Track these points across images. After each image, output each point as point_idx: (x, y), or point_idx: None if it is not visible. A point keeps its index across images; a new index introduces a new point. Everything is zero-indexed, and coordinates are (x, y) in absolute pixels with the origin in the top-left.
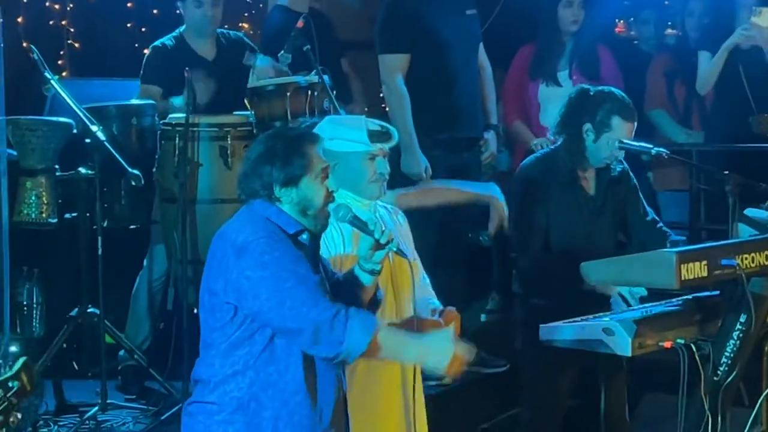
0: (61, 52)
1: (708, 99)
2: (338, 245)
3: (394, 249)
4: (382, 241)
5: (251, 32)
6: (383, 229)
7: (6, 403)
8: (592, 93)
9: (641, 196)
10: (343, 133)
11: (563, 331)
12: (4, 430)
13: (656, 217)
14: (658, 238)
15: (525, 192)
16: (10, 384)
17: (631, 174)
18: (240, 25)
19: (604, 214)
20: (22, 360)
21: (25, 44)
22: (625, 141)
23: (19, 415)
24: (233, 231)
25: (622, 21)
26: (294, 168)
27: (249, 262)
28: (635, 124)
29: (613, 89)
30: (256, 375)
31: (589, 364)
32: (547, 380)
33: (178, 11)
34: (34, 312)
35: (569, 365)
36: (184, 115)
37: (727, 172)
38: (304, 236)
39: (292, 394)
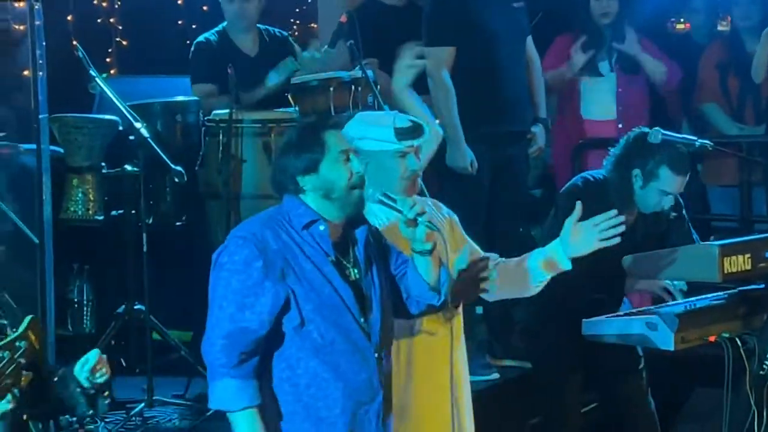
0: (110, 50)
1: (764, 91)
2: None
3: (426, 223)
4: (410, 216)
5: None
6: (413, 205)
7: (15, 365)
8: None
9: (690, 227)
10: (370, 132)
11: (606, 325)
12: (15, 391)
13: None
14: None
15: (567, 210)
16: (17, 344)
17: (683, 212)
18: (290, 20)
19: (639, 248)
20: (28, 318)
21: (74, 42)
22: (668, 132)
23: (31, 375)
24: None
25: (683, 19)
26: (310, 153)
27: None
28: (687, 177)
29: (672, 140)
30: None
31: (599, 364)
32: (560, 380)
33: None
34: (85, 309)
35: (579, 365)
36: (227, 111)
37: None
38: (321, 227)
39: (305, 387)
